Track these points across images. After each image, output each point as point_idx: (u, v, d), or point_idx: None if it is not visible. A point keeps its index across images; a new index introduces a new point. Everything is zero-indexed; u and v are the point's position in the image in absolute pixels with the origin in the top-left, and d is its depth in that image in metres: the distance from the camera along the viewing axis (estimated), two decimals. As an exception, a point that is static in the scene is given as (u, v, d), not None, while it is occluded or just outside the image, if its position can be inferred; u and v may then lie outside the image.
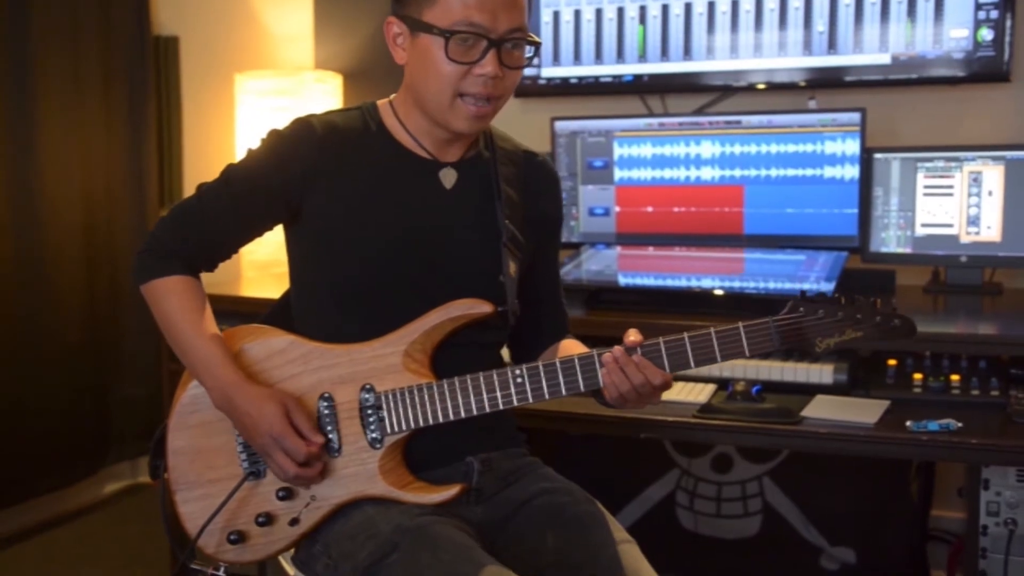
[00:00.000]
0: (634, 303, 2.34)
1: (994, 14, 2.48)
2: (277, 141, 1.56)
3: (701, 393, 2.03)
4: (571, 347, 1.70)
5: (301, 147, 1.53)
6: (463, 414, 1.49)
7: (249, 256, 2.99)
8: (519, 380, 1.47)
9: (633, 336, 1.45)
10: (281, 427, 1.46)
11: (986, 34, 2.50)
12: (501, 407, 1.49)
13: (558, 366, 1.47)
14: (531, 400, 1.48)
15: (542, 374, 1.47)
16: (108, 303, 3.38)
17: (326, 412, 1.51)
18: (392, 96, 1.62)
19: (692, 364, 1.45)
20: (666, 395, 2.01)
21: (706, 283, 2.34)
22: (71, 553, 3.03)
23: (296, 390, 1.53)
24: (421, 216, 1.56)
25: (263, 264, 3.01)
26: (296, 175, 1.53)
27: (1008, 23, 2.47)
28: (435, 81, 1.47)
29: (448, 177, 1.59)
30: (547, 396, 1.47)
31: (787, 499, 2.57)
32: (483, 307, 1.52)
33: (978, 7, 2.50)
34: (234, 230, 1.59)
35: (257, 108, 3.09)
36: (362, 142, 1.56)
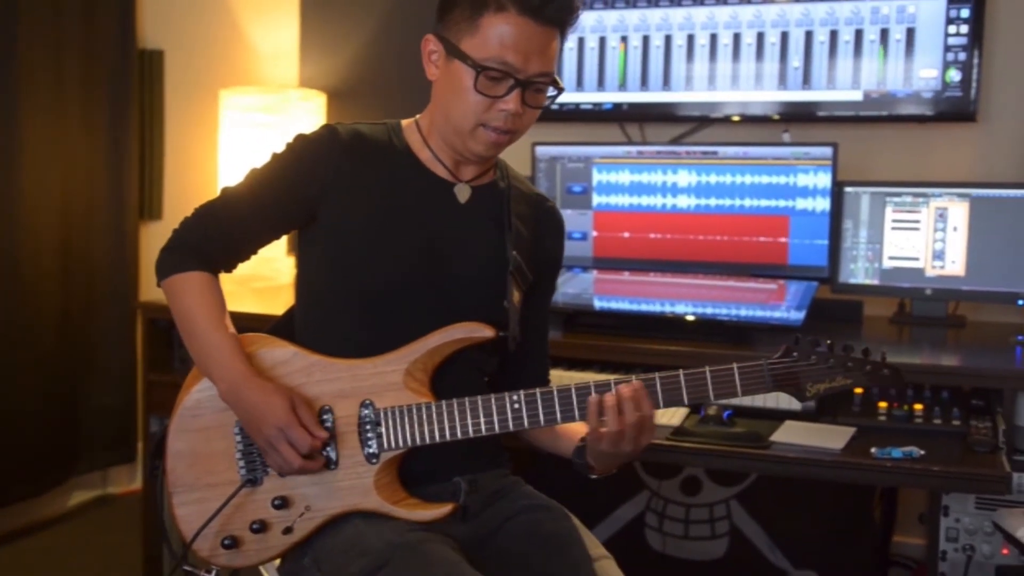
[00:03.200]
0: (609, 327, 2.39)
1: (962, 56, 2.57)
2: (303, 145, 1.60)
3: (674, 416, 2.08)
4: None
5: (325, 152, 1.58)
6: (460, 435, 1.52)
7: (228, 270, 3.01)
8: (516, 406, 1.51)
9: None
10: (287, 418, 1.48)
11: (954, 75, 2.59)
12: (497, 431, 1.52)
13: (555, 395, 1.51)
14: (527, 426, 1.52)
15: (539, 402, 1.51)
16: (83, 313, 3.38)
17: (326, 425, 1.54)
18: (417, 116, 1.67)
19: (686, 401, 1.50)
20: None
21: (680, 309, 2.40)
22: (40, 563, 3.01)
23: None
24: (435, 230, 1.60)
25: (243, 279, 3.03)
26: (318, 179, 1.57)
27: (975, 65, 2.56)
28: (461, 107, 1.53)
29: (463, 193, 1.64)
30: (542, 423, 1.52)
31: (754, 522, 2.62)
32: (485, 331, 1.56)
33: (947, 49, 2.58)
34: (255, 231, 1.62)
35: (241, 124, 3.12)
36: (384, 154, 1.61)
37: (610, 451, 1.48)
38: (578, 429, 1.60)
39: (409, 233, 1.59)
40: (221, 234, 1.61)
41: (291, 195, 1.59)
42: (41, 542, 3.17)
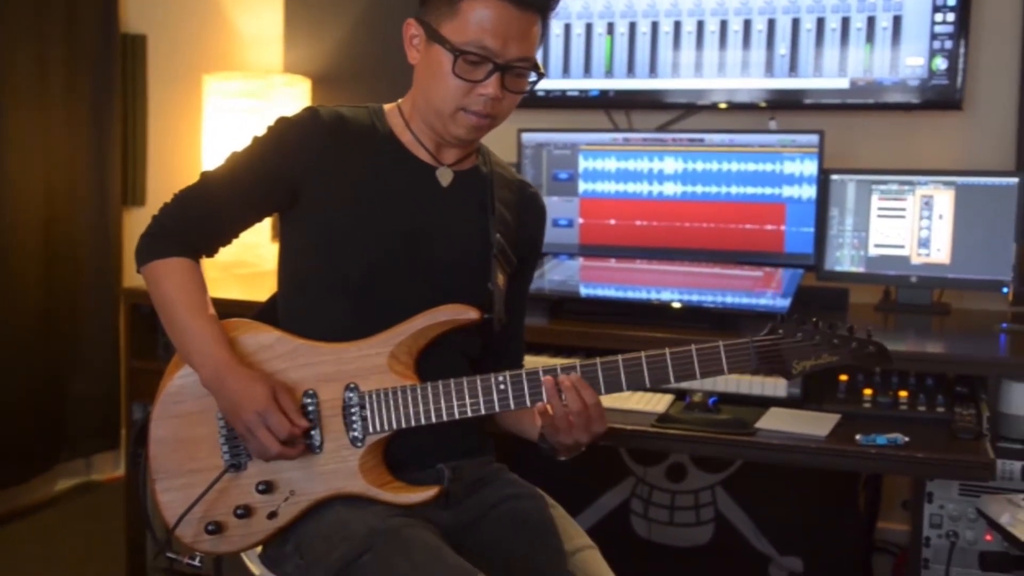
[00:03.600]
0: (595, 314, 2.38)
1: (948, 44, 2.57)
2: (285, 127, 1.59)
3: (659, 403, 2.08)
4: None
5: (307, 134, 1.57)
6: (445, 417, 1.52)
7: (212, 257, 2.99)
8: (502, 387, 1.51)
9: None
10: (266, 404, 1.48)
11: (940, 63, 2.59)
12: (483, 412, 1.52)
13: (540, 375, 1.51)
14: (512, 407, 1.52)
15: (524, 382, 1.51)
16: (67, 301, 3.36)
17: (310, 409, 1.54)
18: (400, 101, 1.67)
19: (672, 380, 1.50)
20: (625, 404, 2.07)
21: (665, 296, 2.39)
22: (25, 549, 3.00)
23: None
24: (417, 213, 1.60)
25: (226, 265, 3.02)
26: (300, 161, 1.57)
27: (961, 53, 2.56)
28: (441, 91, 1.53)
29: (445, 176, 1.63)
30: (528, 404, 1.52)
31: (738, 508, 2.63)
32: (470, 313, 1.56)
33: (933, 37, 2.58)
34: (236, 214, 1.61)
35: (224, 109, 3.09)
36: (366, 137, 1.61)
37: (563, 434, 1.52)
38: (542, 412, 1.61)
39: (391, 216, 1.58)
40: (202, 218, 1.59)
41: (273, 177, 1.58)
42: (26, 528, 3.16)
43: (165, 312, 1.57)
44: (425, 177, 1.63)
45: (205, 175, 1.62)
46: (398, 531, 1.46)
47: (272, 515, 1.54)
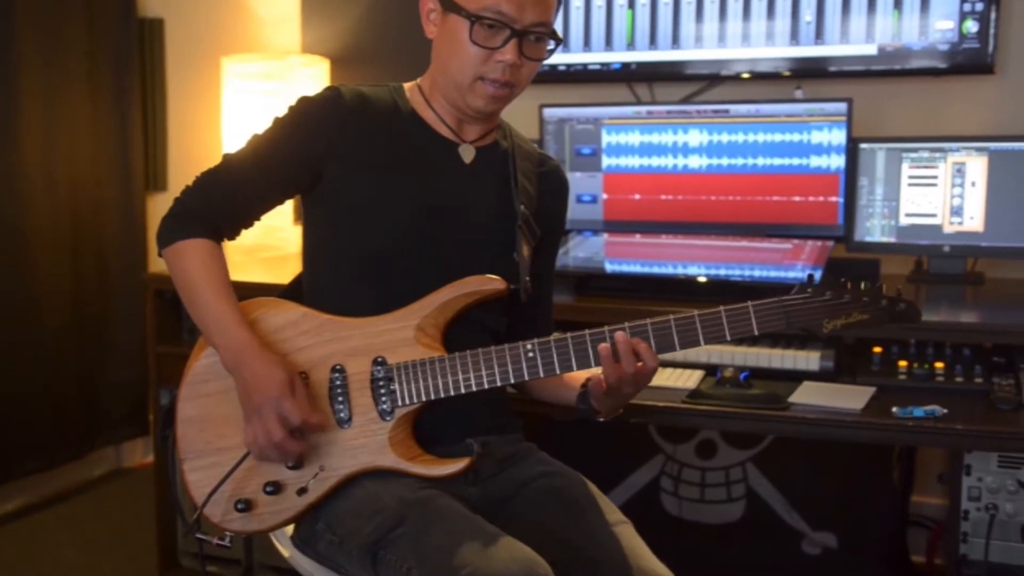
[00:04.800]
0: (621, 290, 2.35)
1: (979, 6, 2.51)
2: (307, 106, 1.59)
3: (690, 379, 2.05)
4: None
5: (329, 114, 1.57)
6: (475, 387, 1.51)
7: (236, 241, 2.98)
8: (531, 355, 1.50)
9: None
10: (283, 390, 1.46)
11: (971, 26, 2.53)
12: (512, 380, 1.52)
13: (569, 341, 1.50)
14: (542, 375, 1.51)
15: (553, 349, 1.50)
16: (94, 288, 3.36)
17: (338, 383, 1.53)
18: (419, 79, 1.66)
19: (702, 341, 1.49)
20: (655, 380, 2.03)
21: (692, 270, 2.36)
22: (55, 536, 3.02)
23: (308, 361, 1.55)
24: (440, 188, 1.60)
25: (249, 249, 3.00)
26: (323, 141, 1.56)
27: (993, 15, 2.50)
28: (458, 60, 1.53)
29: (467, 153, 1.63)
30: (557, 371, 1.51)
31: (770, 485, 2.60)
32: (497, 284, 1.56)
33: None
34: (259, 195, 1.60)
35: (243, 92, 3.07)
36: (387, 115, 1.60)
37: (614, 394, 1.53)
38: (578, 376, 1.62)
39: (415, 193, 1.58)
40: (224, 199, 1.58)
41: (296, 156, 1.57)
42: (58, 515, 3.18)
43: (187, 292, 1.56)
44: (447, 153, 1.62)
45: (227, 157, 1.61)
46: (430, 501, 1.45)
47: (302, 491, 1.53)
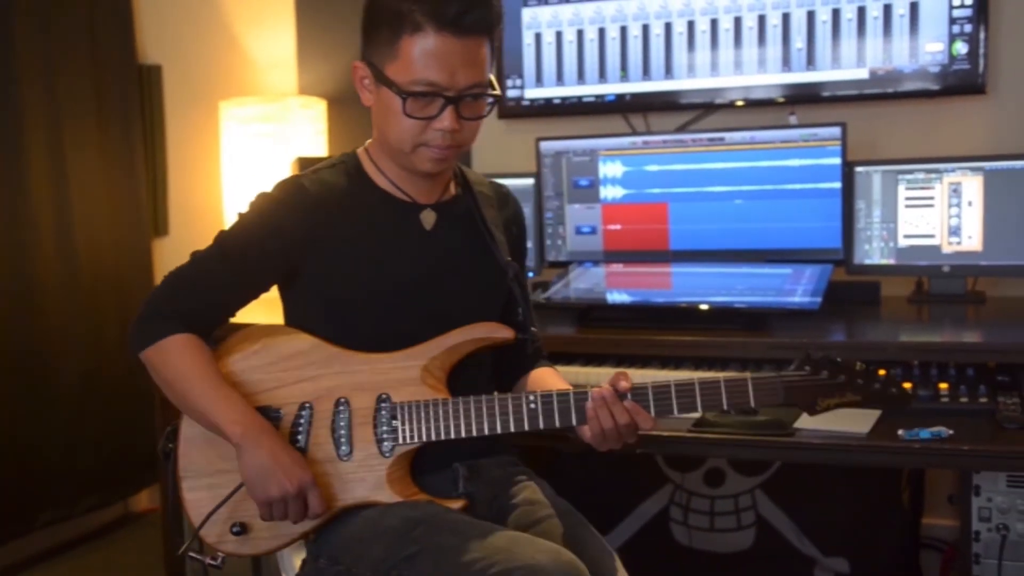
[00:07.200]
0: (623, 320, 2.36)
1: (968, 28, 2.53)
2: (271, 205, 1.57)
3: (694, 407, 2.04)
4: (547, 375, 1.74)
5: (297, 211, 1.55)
6: (475, 433, 1.53)
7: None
8: (532, 407, 1.52)
9: (624, 383, 1.52)
10: (299, 491, 1.48)
11: (961, 47, 2.55)
12: (512, 429, 1.53)
13: (571, 397, 1.53)
14: (542, 427, 1.53)
15: (555, 405, 1.53)
16: (108, 336, 3.31)
17: (342, 416, 1.54)
18: (367, 142, 1.65)
19: (700, 410, 1.54)
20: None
21: (694, 298, 2.36)
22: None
23: (315, 391, 1.56)
24: (408, 262, 1.60)
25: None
26: (296, 240, 1.55)
27: (982, 36, 2.52)
28: (396, 131, 1.52)
29: (428, 219, 1.63)
30: (557, 425, 1.54)
31: (780, 511, 2.58)
32: (504, 332, 1.59)
33: (952, 21, 2.54)
34: (230, 296, 1.59)
35: (242, 135, 3.10)
36: (350, 196, 1.59)
37: (598, 442, 1.54)
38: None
39: (391, 271, 1.58)
40: (194, 301, 1.56)
41: (266, 258, 1.56)
42: (68, 563, 3.15)
43: (180, 385, 1.53)
44: (408, 219, 1.62)
45: (195, 256, 1.59)
46: (435, 516, 1.47)
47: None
